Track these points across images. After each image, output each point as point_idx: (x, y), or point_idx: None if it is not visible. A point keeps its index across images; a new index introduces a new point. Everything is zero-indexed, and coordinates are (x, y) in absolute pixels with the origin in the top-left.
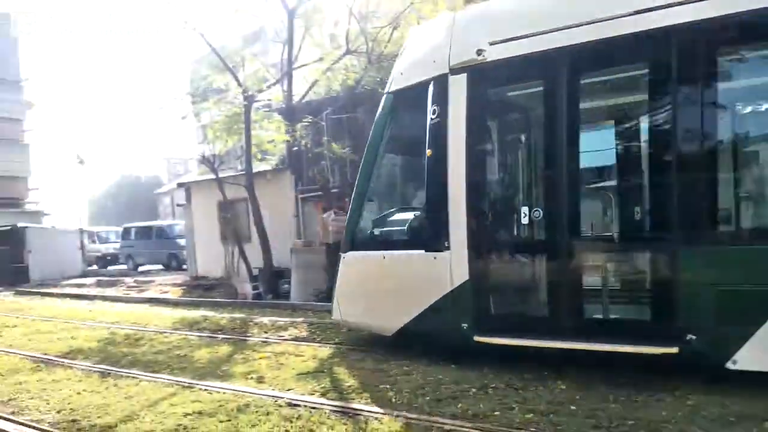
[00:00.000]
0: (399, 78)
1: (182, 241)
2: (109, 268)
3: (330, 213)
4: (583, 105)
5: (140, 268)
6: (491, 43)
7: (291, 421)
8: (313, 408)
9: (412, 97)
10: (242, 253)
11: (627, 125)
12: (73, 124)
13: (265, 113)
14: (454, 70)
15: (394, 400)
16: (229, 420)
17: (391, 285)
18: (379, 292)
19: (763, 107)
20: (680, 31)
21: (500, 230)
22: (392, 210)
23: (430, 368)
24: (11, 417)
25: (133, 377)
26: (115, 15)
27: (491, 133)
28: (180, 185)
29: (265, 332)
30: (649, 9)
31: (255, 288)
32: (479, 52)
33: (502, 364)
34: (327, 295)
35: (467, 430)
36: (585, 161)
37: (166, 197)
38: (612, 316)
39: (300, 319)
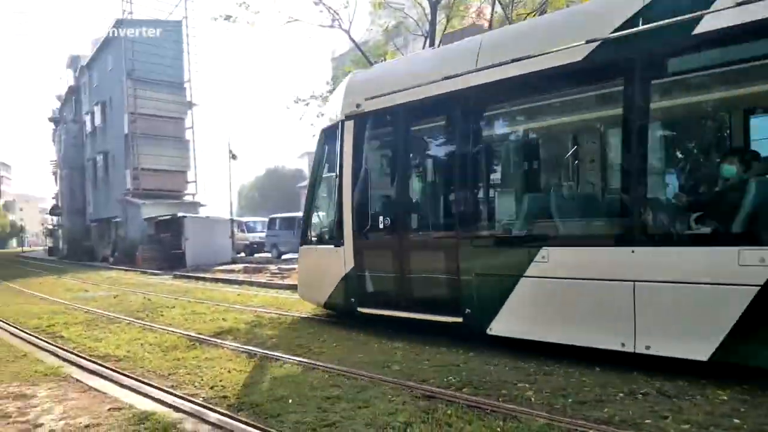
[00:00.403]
0: (325, 119)
1: None
2: (255, 255)
3: None
4: (413, 145)
5: (283, 257)
6: (366, 99)
7: (427, 413)
8: (449, 401)
9: (329, 134)
10: None
11: (436, 160)
12: (227, 121)
13: None
14: (347, 117)
15: (533, 399)
16: (367, 407)
17: (319, 269)
18: (315, 275)
19: (511, 152)
20: (461, 94)
21: (370, 231)
22: (326, 215)
23: (571, 369)
24: (171, 390)
25: (277, 359)
26: (264, 15)
27: (366, 163)
28: None
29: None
30: (448, 77)
31: None
32: (357, 105)
33: (652, 369)
34: None
35: None
36: (414, 182)
37: None
38: (427, 295)
39: None
